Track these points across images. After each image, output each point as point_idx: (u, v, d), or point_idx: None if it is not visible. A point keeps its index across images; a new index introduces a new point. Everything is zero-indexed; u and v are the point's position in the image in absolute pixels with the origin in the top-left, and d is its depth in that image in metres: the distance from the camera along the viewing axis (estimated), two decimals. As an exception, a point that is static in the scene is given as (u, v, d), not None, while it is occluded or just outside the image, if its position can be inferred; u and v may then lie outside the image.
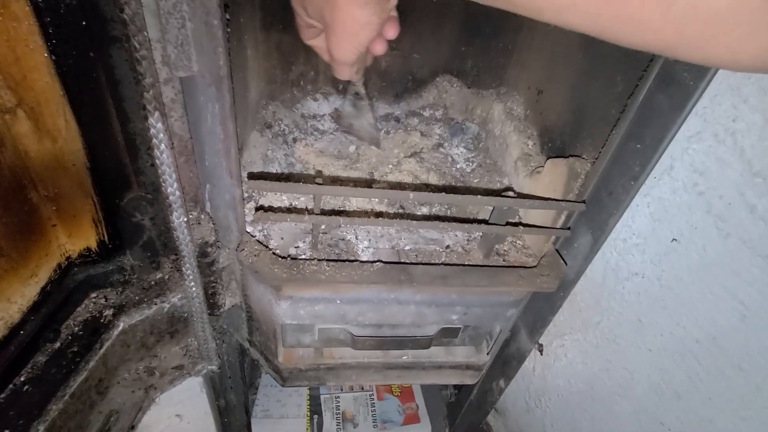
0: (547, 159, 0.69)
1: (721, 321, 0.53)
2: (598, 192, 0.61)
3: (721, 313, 0.53)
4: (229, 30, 0.47)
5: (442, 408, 1.35)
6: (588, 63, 0.66)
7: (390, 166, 0.87)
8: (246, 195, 0.72)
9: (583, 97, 0.67)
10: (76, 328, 0.52)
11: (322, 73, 1.02)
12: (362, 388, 1.37)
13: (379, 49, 0.52)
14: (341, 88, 1.04)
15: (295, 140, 0.92)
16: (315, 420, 1.27)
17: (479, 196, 0.55)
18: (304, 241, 0.68)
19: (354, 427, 1.27)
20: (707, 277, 0.54)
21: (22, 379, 0.46)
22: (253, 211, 0.70)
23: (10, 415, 0.44)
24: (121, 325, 0.55)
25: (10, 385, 0.45)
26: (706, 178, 0.52)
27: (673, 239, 0.57)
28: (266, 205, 0.72)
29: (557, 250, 0.69)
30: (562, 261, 0.67)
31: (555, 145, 0.73)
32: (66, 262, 0.52)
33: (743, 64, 0.29)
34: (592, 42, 0.66)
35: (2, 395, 0.44)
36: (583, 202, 0.61)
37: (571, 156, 0.64)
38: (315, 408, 1.30)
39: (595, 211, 0.62)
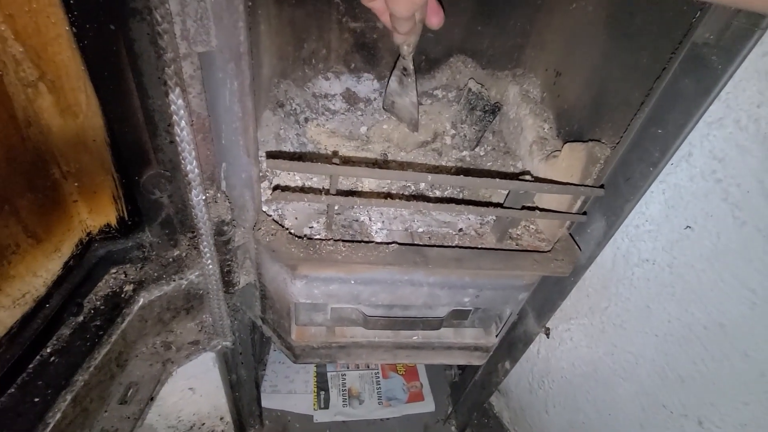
0: (564, 143, 0.68)
1: (730, 308, 0.54)
2: (615, 177, 0.61)
3: (730, 301, 0.53)
4: (250, 4, 0.46)
5: (446, 387, 1.38)
6: (611, 44, 0.64)
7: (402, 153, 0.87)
8: (260, 174, 0.71)
9: (605, 79, 0.65)
10: (98, 303, 0.53)
11: (334, 51, 1.00)
12: (368, 367, 1.40)
13: (436, 21, 0.55)
14: (353, 67, 1.02)
15: (306, 120, 0.91)
16: (322, 396, 1.31)
17: (497, 179, 0.55)
18: (317, 222, 0.68)
19: (360, 404, 1.31)
20: (719, 264, 0.54)
21: (49, 350, 0.48)
22: (268, 191, 0.70)
23: (39, 385, 0.45)
24: (141, 300, 0.56)
25: (38, 357, 0.47)
26: (725, 165, 0.51)
27: (687, 226, 0.57)
28: (281, 185, 0.72)
29: (571, 235, 0.69)
30: (576, 246, 0.68)
31: (572, 129, 0.72)
32: (87, 238, 0.53)
33: None
34: (617, 22, 0.64)
35: (31, 366, 0.46)
36: (602, 187, 0.61)
37: (591, 140, 0.64)
38: (322, 384, 1.34)
39: (611, 196, 0.61)
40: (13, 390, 0.44)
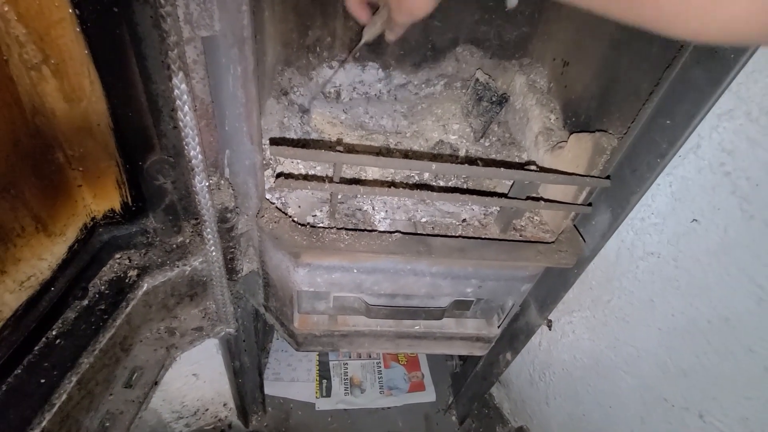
0: (571, 134, 0.68)
1: (736, 303, 0.53)
2: (621, 169, 0.60)
3: (736, 296, 0.53)
4: (254, -12, 0.45)
5: (447, 377, 1.39)
6: (622, 34, 0.63)
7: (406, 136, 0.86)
8: (264, 162, 0.71)
9: (614, 69, 0.64)
10: (103, 287, 0.54)
11: (338, 39, 0.99)
12: (369, 356, 1.41)
13: None
14: (358, 56, 1.01)
15: (310, 108, 0.91)
16: (324, 384, 1.32)
17: (502, 169, 0.54)
18: (321, 210, 0.68)
19: (361, 392, 1.32)
20: (726, 258, 0.53)
21: (54, 333, 0.48)
22: (271, 179, 0.70)
23: (45, 366, 0.46)
24: (145, 285, 0.57)
25: (43, 339, 0.47)
26: (734, 157, 0.50)
27: (694, 219, 0.56)
28: (285, 173, 0.72)
29: (575, 227, 0.69)
30: (580, 237, 0.67)
31: (579, 120, 0.71)
32: (91, 223, 0.53)
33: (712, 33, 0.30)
34: (627, 11, 0.63)
35: (37, 348, 0.46)
36: (608, 178, 0.60)
37: (597, 131, 0.63)
38: (324, 373, 1.35)
39: (617, 188, 0.61)
40: (19, 371, 0.45)
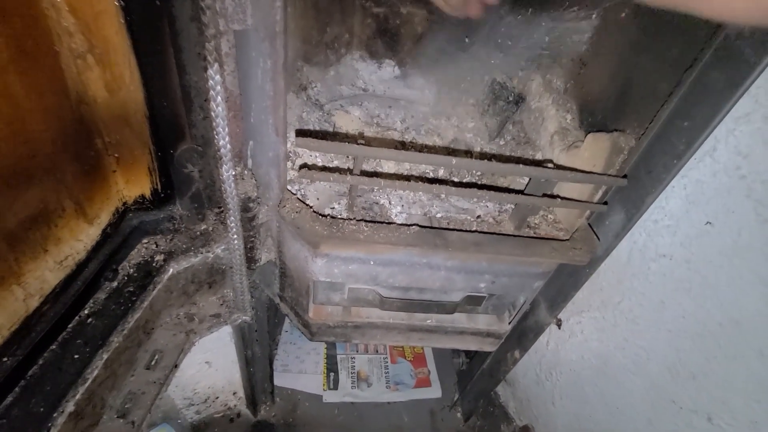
0: (587, 134, 0.68)
1: (747, 306, 0.54)
2: (637, 170, 0.61)
3: (748, 298, 0.53)
4: (288, -16, 0.47)
5: (453, 375, 1.40)
6: (640, 35, 0.64)
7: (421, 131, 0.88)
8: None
9: (632, 70, 0.65)
10: (131, 270, 0.56)
11: (356, 36, 1.01)
12: (377, 351, 1.42)
13: None
14: (375, 52, 1.03)
15: (327, 104, 0.92)
16: (331, 377, 1.34)
17: (521, 166, 0.55)
18: (338, 203, 0.69)
19: (368, 386, 1.33)
20: (739, 261, 0.54)
21: (86, 312, 0.50)
22: (291, 171, 0.71)
23: (78, 344, 0.48)
24: (171, 270, 0.59)
25: (77, 317, 0.49)
26: (750, 161, 0.51)
27: (707, 222, 0.57)
28: (308, 164, 0.73)
29: (590, 225, 0.70)
30: (594, 236, 0.68)
31: (596, 120, 0.72)
32: (123, 208, 0.55)
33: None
34: (647, 14, 0.64)
35: (70, 326, 0.48)
36: (625, 176, 0.61)
37: (615, 131, 0.64)
38: (332, 366, 1.37)
39: (632, 189, 0.62)
40: (54, 347, 0.47)
